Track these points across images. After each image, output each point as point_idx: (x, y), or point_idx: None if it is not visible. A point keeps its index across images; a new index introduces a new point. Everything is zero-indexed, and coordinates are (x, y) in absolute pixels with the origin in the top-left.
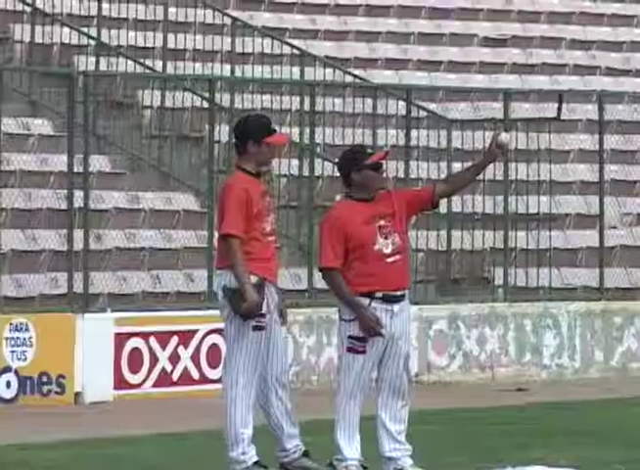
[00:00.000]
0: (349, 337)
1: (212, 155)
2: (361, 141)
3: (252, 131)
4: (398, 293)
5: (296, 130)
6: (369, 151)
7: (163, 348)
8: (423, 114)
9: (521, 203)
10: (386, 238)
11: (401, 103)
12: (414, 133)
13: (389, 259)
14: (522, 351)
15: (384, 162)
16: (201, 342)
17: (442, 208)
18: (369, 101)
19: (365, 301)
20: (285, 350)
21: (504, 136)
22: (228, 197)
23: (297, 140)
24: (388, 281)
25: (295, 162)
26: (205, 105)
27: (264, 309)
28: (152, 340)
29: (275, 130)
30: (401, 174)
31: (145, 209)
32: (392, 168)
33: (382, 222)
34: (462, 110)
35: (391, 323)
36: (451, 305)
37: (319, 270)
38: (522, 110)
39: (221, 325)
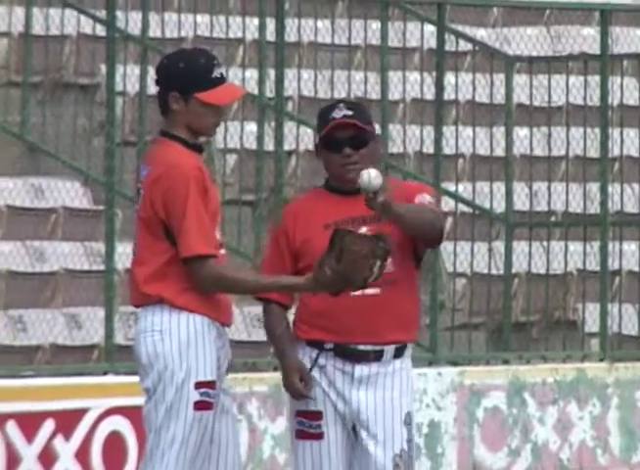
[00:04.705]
0: (297, 413)
1: (114, 114)
2: (362, 93)
3: (178, 77)
4: (365, 348)
5: (252, 74)
6: (335, 114)
7: (29, 440)
8: (465, 46)
9: (629, 195)
10: None
11: (430, 28)
12: (450, 78)
13: (353, 292)
14: (632, 443)
15: (366, 132)
16: (92, 430)
17: (498, 203)
18: (375, 25)
19: (312, 352)
20: (238, 444)
21: (365, 176)
22: (185, 189)
23: (255, 91)
24: (345, 326)
25: (251, 126)
26: (102, 31)
27: (213, 373)
28: (9, 427)
29: (222, 78)
30: (429, 148)
31: None
32: (414, 137)
33: (363, 229)
34: (530, 40)
35: (351, 395)
36: (513, 367)
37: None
38: (631, 39)
39: (128, 401)
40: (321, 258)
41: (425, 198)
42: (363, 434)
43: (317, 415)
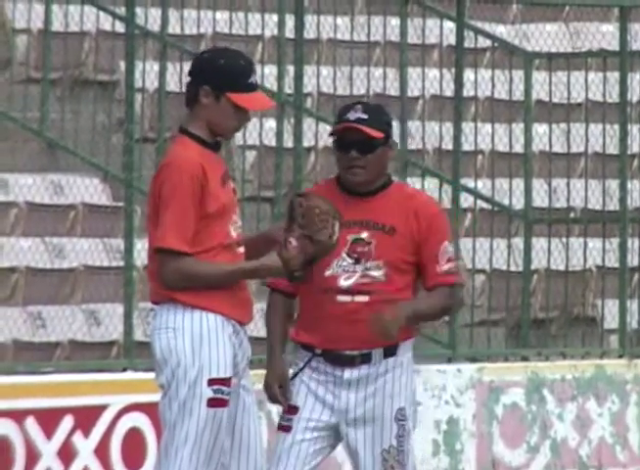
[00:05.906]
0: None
1: (133, 110)
2: (381, 89)
3: (216, 73)
4: (351, 352)
5: (271, 70)
6: (350, 115)
7: (49, 436)
8: (485, 43)
9: None
10: (355, 261)
11: (449, 24)
12: (470, 74)
13: (341, 298)
14: None
15: (378, 136)
16: (112, 426)
17: (517, 200)
18: (394, 21)
19: (305, 355)
20: (260, 440)
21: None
22: (176, 183)
23: (274, 88)
24: (331, 332)
25: (270, 123)
26: (121, 28)
27: (227, 370)
28: (28, 423)
29: (255, 85)
30: (448, 144)
31: (17, 202)
32: (433, 133)
33: (364, 234)
34: (549, 36)
35: (340, 394)
36: (532, 364)
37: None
38: None
39: (147, 397)
40: (283, 236)
41: (445, 254)
42: (351, 434)
43: (293, 410)
